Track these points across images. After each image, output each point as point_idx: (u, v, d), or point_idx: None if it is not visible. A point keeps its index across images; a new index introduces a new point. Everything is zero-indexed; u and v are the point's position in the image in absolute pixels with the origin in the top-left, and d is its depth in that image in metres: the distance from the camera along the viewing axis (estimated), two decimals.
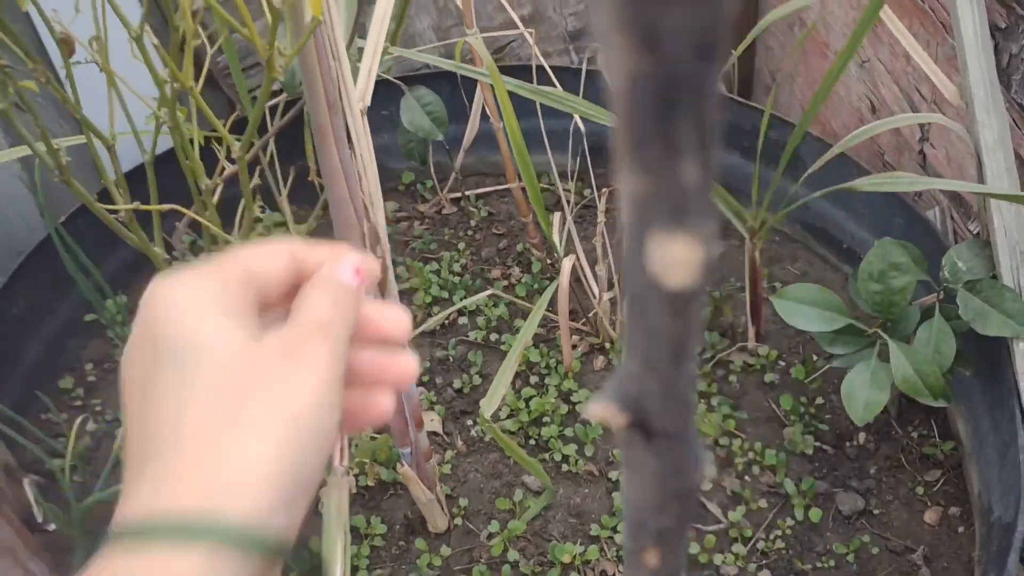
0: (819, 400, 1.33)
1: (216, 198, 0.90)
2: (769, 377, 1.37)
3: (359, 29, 1.10)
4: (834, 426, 1.31)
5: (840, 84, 1.62)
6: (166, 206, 0.82)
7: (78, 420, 1.35)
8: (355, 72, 0.83)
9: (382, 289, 0.97)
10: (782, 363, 1.39)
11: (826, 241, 1.54)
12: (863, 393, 1.04)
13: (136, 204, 0.83)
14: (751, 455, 1.28)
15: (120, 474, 1.15)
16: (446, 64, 1.07)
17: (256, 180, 1.09)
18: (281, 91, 1.44)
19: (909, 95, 1.40)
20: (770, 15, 1.21)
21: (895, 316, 1.07)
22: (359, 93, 0.82)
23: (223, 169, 0.89)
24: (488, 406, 1.06)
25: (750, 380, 1.38)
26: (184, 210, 0.84)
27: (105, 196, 0.94)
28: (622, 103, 0.14)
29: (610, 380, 0.21)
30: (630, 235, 0.17)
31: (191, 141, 0.88)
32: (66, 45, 0.81)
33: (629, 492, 0.25)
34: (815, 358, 1.37)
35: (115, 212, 0.89)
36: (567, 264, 1.26)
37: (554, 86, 1.35)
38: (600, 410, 0.21)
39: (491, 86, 1.29)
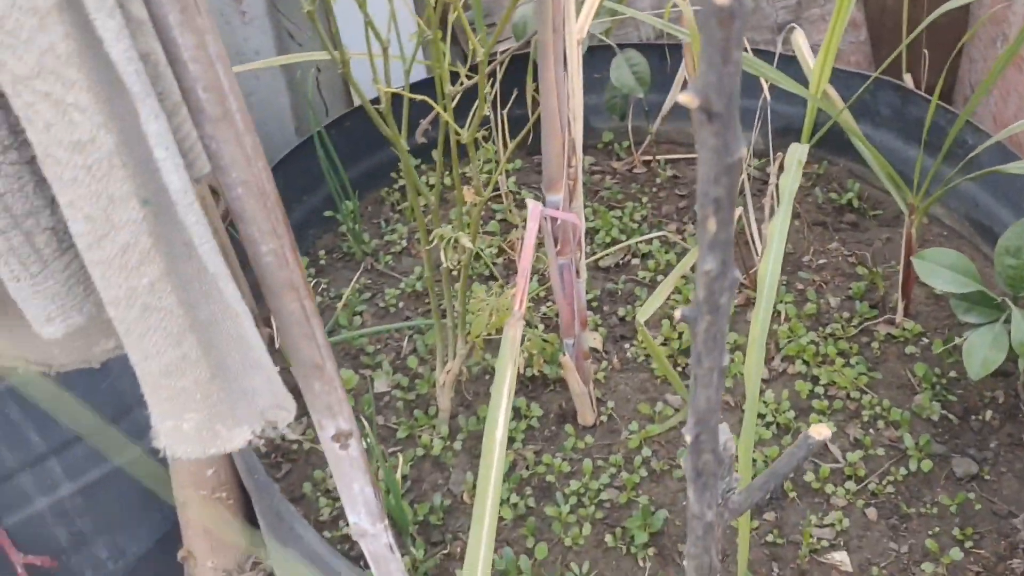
0: (952, 374, 1.43)
1: (454, 103, 1.14)
2: (910, 349, 1.48)
3: None
4: (963, 400, 1.41)
5: None
6: (419, 96, 1.06)
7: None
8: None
9: (572, 196, 1.18)
10: (925, 340, 1.50)
11: (991, 240, 1.61)
12: (982, 351, 1.15)
13: (396, 90, 1.07)
14: (878, 410, 1.40)
15: (337, 335, 1.44)
16: (653, 20, 1.27)
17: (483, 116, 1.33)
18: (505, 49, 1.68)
19: None
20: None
21: None
22: (578, 27, 1.03)
23: (463, 82, 1.13)
24: (643, 313, 1.24)
25: (891, 350, 1.50)
26: (431, 102, 1.08)
27: (360, 110, 1.20)
28: None
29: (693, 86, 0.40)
30: None
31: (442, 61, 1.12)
32: None
33: (699, 170, 0.44)
34: (956, 339, 1.47)
35: (376, 104, 1.14)
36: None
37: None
38: (685, 98, 0.40)
39: (693, 52, 1.47)
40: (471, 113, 1.15)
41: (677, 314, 0.51)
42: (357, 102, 1.96)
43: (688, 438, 0.57)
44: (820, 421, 1.39)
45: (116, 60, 0.60)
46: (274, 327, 0.89)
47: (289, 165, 1.75)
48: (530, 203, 1.09)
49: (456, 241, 1.20)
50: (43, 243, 0.70)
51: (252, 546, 1.71)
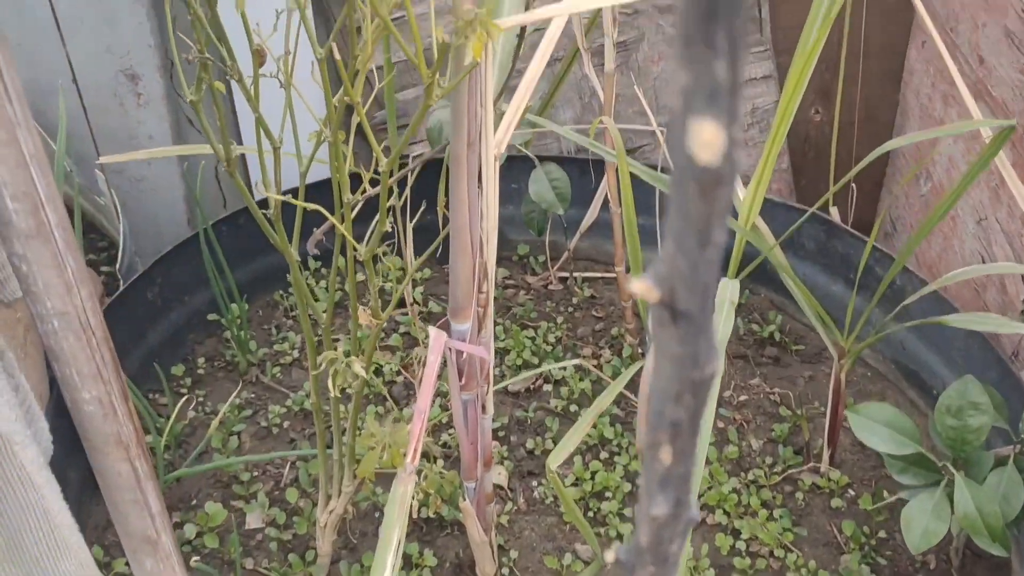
0: (882, 534, 1.32)
1: (353, 215, 1.00)
2: (836, 502, 1.38)
3: (508, 94, 1.21)
4: (893, 563, 1.30)
5: (956, 238, 1.65)
6: (312, 205, 0.93)
7: (180, 403, 1.46)
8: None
9: (481, 324, 1.04)
10: (851, 492, 1.40)
11: (918, 385, 1.54)
12: (922, 521, 1.05)
13: (287, 198, 0.94)
14: (803, 572, 1.28)
15: (208, 458, 1.25)
16: (578, 138, 1.17)
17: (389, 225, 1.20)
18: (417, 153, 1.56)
19: (1020, 256, 1.42)
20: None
21: (968, 455, 1.08)
22: (496, 140, 0.92)
23: (365, 190, 1.00)
24: (554, 458, 1.11)
25: (816, 502, 1.39)
26: (326, 213, 0.94)
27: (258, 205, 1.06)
28: (681, 12, 0.21)
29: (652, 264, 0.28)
30: (676, 121, 0.24)
31: (345, 161, 0.99)
32: (259, 56, 0.93)
33: (654, 381, 0.32)
34: (885, 494, 1.37)
35: (265, 210, 1.00)
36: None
37: None
38: (640, 286, 0.28)
39: (616, 173, 1.38)
40: (373, 223, 1.02)
41: (610, 555, 0.37)
42: (256, 197, 1.82)
43: None
44: None
45: None
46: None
47: (173, 260, 1.58)
48: (432, 332, 0.95)
49: (348, 367, 1.05)
50: None
51: None
